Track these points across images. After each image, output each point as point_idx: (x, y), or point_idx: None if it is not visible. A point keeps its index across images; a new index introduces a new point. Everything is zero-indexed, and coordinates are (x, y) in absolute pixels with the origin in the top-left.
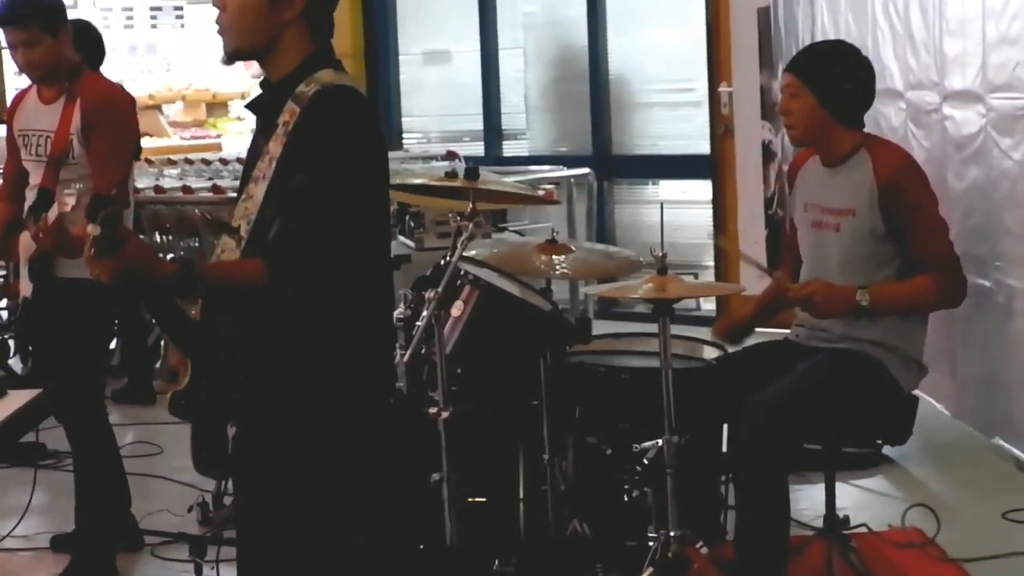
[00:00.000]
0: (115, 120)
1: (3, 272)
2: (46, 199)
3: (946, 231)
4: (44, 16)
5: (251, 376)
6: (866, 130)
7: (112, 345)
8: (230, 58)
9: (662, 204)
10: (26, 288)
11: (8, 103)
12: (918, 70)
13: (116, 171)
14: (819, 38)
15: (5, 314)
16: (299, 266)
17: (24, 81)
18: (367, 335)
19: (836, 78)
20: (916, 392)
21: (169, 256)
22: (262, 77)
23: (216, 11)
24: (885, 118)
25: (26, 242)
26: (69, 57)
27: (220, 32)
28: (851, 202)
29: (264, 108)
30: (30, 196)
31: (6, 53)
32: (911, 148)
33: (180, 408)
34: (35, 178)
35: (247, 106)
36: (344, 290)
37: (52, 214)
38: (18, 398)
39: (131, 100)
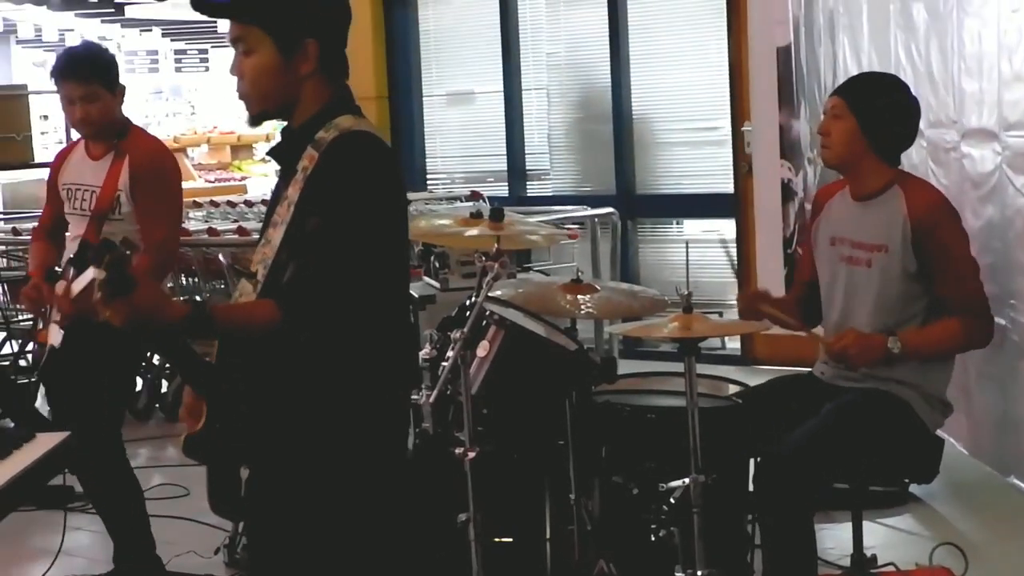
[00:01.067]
0: (163, 178)
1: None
2: (87, 250)
3: (976, 273)
4: (106, 73)
5: (263, 418)
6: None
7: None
8: (255, 120)
9: (687, 243)
10: (54, 338)
11: (34, 148)
12: (937, 108)
13: (164, 227)
14: (841, 78)
15: (31, 357)
16: (311, 308)
17: (45, 125)
18: (382, 377)
19: (881, 108)
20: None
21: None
22: (283, 124)
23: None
24: (907, 156)
25: (60, 292)
26: (120, 115)
27: (242, 99)
28: (883, 238)
29: (285, 154)
30: (71, 246)
31: (33, 99)
32: None
33: (194, 450)
34: (76, 229)
35: (268, 153)
36: (357, 333)
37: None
38: (46, 441)
39: (174, 157)
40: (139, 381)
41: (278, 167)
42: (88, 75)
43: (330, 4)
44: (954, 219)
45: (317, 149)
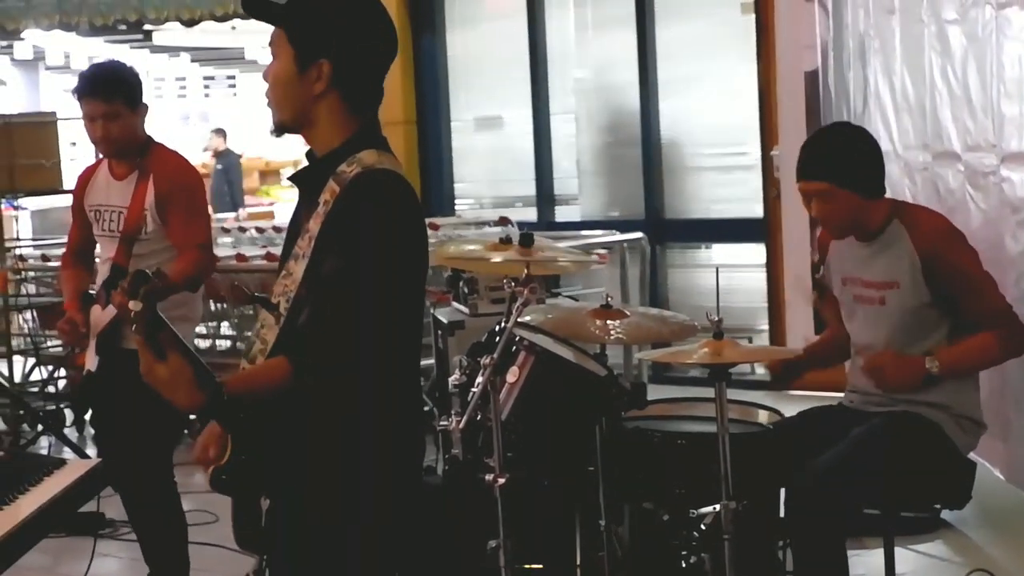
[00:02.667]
0: (188, 190)
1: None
2: (119, 275)
3: (995, 285)
4: (129, 91)
5: (281, 451)
6: (904, 195)
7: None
8: (277, 130)
9: (717, 268)
10: (91, 362)
11: (63, 175)
12: (976, 132)
13: (199, 236)
14: (871, 101)
15: (62, 383)
16: (324, 365)
17: (74, 152)
18: (394, 415)
19: (859, 165)
20: (973, 456)
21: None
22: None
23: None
24: (943, 180)
25: (96, 317)
26: (142, 133)
27: (268, 105)
28: (893, 275)
29: (307, 182)
30: (103, 270)
31: (62, 125)
32: (968, 211)
33: (221, 483)
34: (107, 252)
35: (290, 178)
36: (371, 375)
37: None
38: (76, 468)
39: (198, 172)
40: None
41: (299, 194)
42: (109, 93)
43: (357, 32)
44: (959, 240)
45: (339, 183)
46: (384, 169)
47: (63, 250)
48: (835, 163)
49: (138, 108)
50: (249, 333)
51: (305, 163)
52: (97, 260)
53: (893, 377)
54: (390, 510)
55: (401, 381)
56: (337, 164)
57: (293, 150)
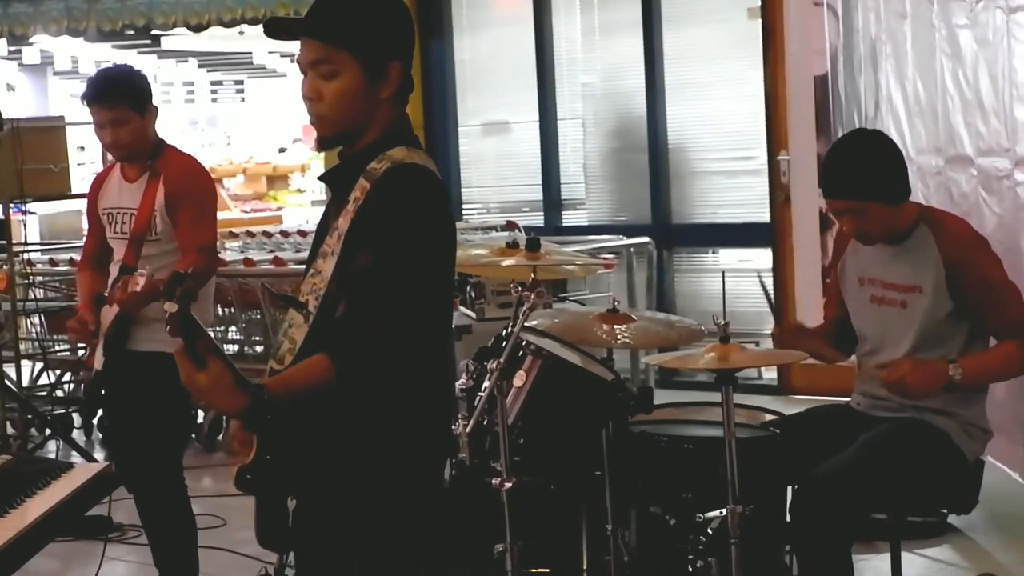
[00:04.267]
0: (197, 191)
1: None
2: (126, 275)
3: (1019, 295)
4: (135, 96)
5: (310, 449)
6: (917, 199)
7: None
8: (327, 144)
9: (723, 273)
10: (98, 361)
11: (71, 179)
12: (988, 136)
13: (203, 238)
14: (884, 105)
15: (69, 387)
16: (365, 359)
17: (82, 156)
18: (425, 409)
19: (885, 177)
20: (989, 459)
21: (233, 330)
22: (337, 150)
23: (308, 103)
24: (956, 184)
25: (106, 317)
26: (152, 135)
27: (316, 122)
28: (917, 279)
29: (337, 181)
30: (115, 271)
31: (70, 130)
32: (982, 215)
33: (245, 482)
34: (119, 255)
35: (320, 177)
36: (406, 368)
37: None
38: (84, 471)
39: (209, 175)
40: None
41: (328, 193)
42: (116, 99)
43: (408, 25)
44: (985, 249)
45: (369, 180)
46: (413, 164)
47: (71, 255)
48: (858, 179)
49: (147, 111)
50: (257, 338)
51: (319, 165)
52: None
53: (915, 385)
54: (419, 506)
55: (433, 375)
56: (367, 162)
57: (300, 156)
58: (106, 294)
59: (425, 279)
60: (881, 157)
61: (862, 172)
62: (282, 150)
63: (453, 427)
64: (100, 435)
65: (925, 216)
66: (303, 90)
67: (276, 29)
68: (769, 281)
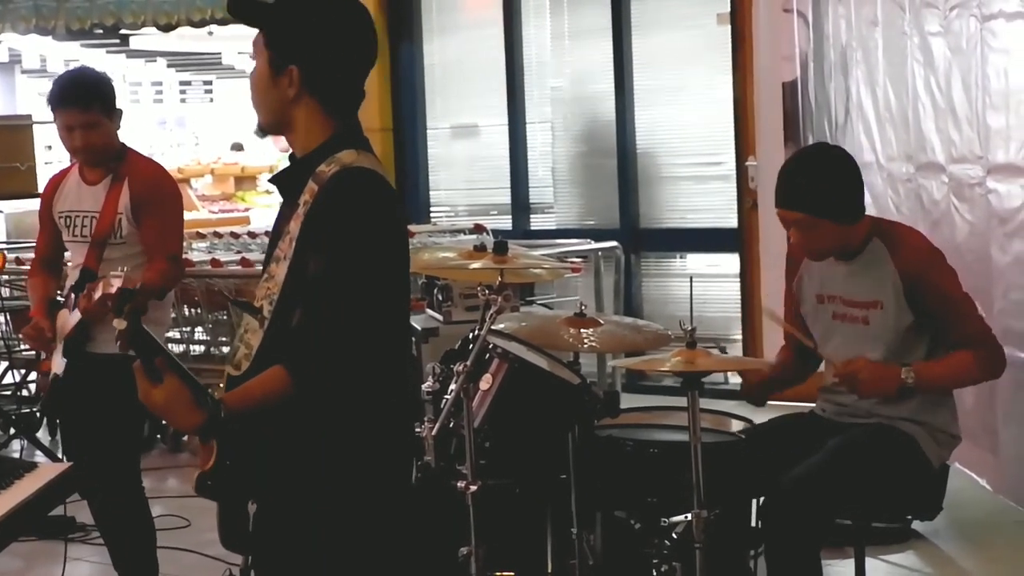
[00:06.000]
0: (165, 197)
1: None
2: (88, 279)
3: (974, 307)
4: (106, 99)
5: (269, 454)
6: (887, 207)
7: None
8: (260, 131)
9: (691, 278)
10: (58, 366)
11: (38, 178)
12: (961, 144)
13: (172, 245)
14: (854, 112)
15: (34, 387)
16: (322, 369)
17: (49, 155)
18: (384, 414)
19: (838, 192)
20: (956, 466)
21: (199, 331)
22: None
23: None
24: (927, 191)
25: (63, 321)
26: (117, 139)
27: (253, 107)
28: (876, 295)
29: (287, 184)
30: (73, 275)
31: (37, 129)
32: (953, 222)
33: (206, 488)
34: (78, 258)
35: (271, 180)
36: (362, 374)
37: (97, 291)
38: (48, 471)
39: (174, 179)
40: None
41: (280, 197)
42: (87, 102)
43: (328, 39)
44: (940, 261)
45: (317, 183)
46: (361, 167)
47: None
48: (812, 194)
49: (114, 114)
50: (224, 338)
51: (283, 166)
52: (68, 266)
53: (867, 383)
54: (380, 512)
55: (390, 379)
56: (316, 165)
57: (269, 156)
58: (61, 298)
59: (375, 283)
60: (838, 175)
61: (816, 188)
62: (237, 147)
63: (417, 430)
64: (61, 436)
65: (877, 229)
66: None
67: (238, 7)
68: (737, 287)
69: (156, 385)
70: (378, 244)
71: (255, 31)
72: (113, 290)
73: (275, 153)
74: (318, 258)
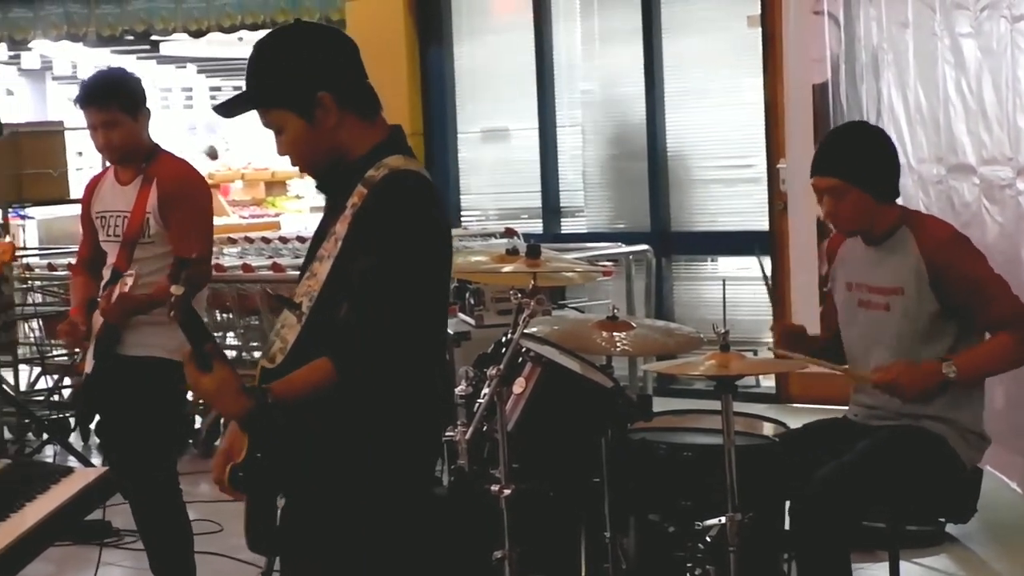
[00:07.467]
0: (193, 197)
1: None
2: (117, 279)
3: (1008, 287)
4: (125, 98)
5: (306, 449)
6: (918, 209)
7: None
8: (321, 181)
9: (724, 281)
10: (89, 366)
11: (70, 184)
12: (991, 145)
13: (201, 243)
14: (885, 114)
15: (67, 392)
16: (368, 358)
17: (81, 162)
18: (419, 411)
19: (872, 164)
20: (989, 469)
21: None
22: None
23: None
24: (958, 193)
25: (98, 322)
26: (146, 139)
27: (301, 171)
28: (898, 280)
29: (334, 188)
30: (107, 275)
31: (69, 135)
32: (984, 224)
33: (237, 480)
34: (111, 258)
35: (318, 186)
36: (403, 370)
37: (115, 293)
38: (83, 476)
39: (205, 180)
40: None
41: (326, 200)
42: (105, 101)
43: (327, 48)
44: (967, 246)
45: (366, 186)
46: (410, 170)
47: (69, 260)
48: (849, 160)
49: (139, 115)
50: (255, 343)
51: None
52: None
53: (908, 386)
54: (407, 508)
55: (427, 378)
56: (365, 170)
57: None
58: (99, 299)
59: (422, 283)
60: (876, 148)
61: (853, 154)
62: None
63: (450, 434)
64: (98, 440)
65: (907, 218)
66: (277, 151)
67: (227, 109)
68: (768, 264)
69: (204, 372)
70: (426, 245)
71: None
72: (126, 289)
73: None
74: (367, 257)
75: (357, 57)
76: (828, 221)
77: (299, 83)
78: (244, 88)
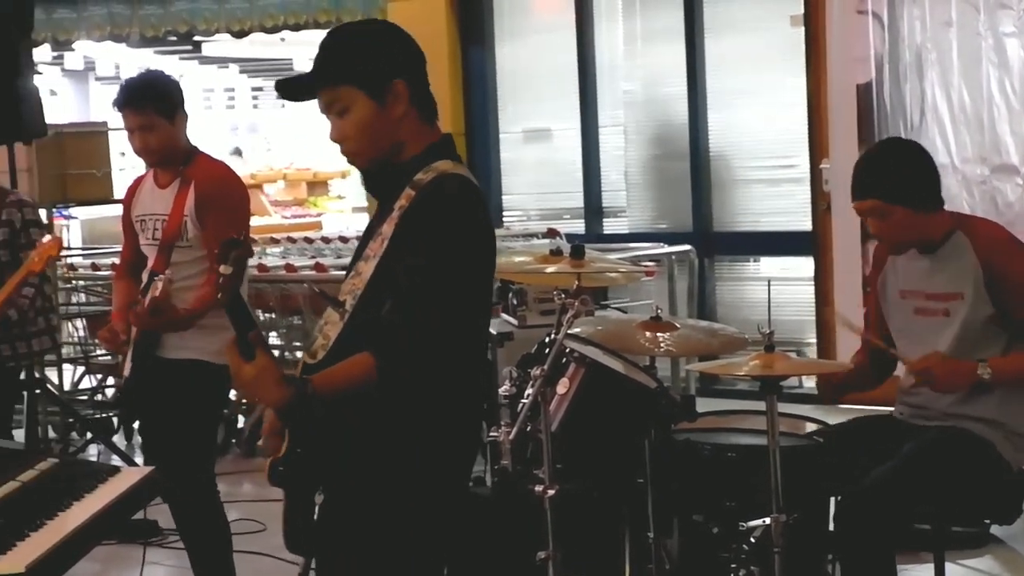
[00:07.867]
0: (229, 199)
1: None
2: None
3: None
4: (161, 101)
5: (346, 444)
6: (962, 208)
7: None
8: (369, 176)
9: (769, 281)
10: (127, 368)
11: (113, 185)
12: None
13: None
14: (929, 114)
15: (111, 391)
16: (409, 355)
17: (124, 162)
18: (459, 411)
19: (911, 180)
20: None
21: (273, 335)
22: None
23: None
24: (1001, 194)
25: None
26: (184, 141)
27: (351, 160)
28: (958, 286)
29: (383, 190)
30: (146, 279)
31: (112, 136)
32: None
33: (278, 475)
34: (151, 262)
35: (366, 187)
36: (445, 369)
37: (147, 298)
38: (130, 475)
39: (242, 182)
40: None
41: (376, 201)
42: (142, 104)
43: (400, 45)
44: (1020, 248)
45: (415, 189)
46: (458, 174)
47: (113, 260)
48: (883, 180)
49: (176, 117)
50: (297, 343)
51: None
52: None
53: (942, 378)
54: (444, 506)
55: (470, 378)
56: (413, 173)
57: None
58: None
59: (468, 285)
60: (908, 162)
61: (886, 174)
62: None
63: (494, 434)
64: (141, 439)
65: (960, 223)
66: (331, 136)
67: (289, 90)
68: (811, 290)
69: (247, 361)
70: (473, 248)
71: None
72: (157, 293)
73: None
74: (414, 258)
75: (424, 62)
76: (879, 241)
77: (378, 65)
78: (311, 71)
